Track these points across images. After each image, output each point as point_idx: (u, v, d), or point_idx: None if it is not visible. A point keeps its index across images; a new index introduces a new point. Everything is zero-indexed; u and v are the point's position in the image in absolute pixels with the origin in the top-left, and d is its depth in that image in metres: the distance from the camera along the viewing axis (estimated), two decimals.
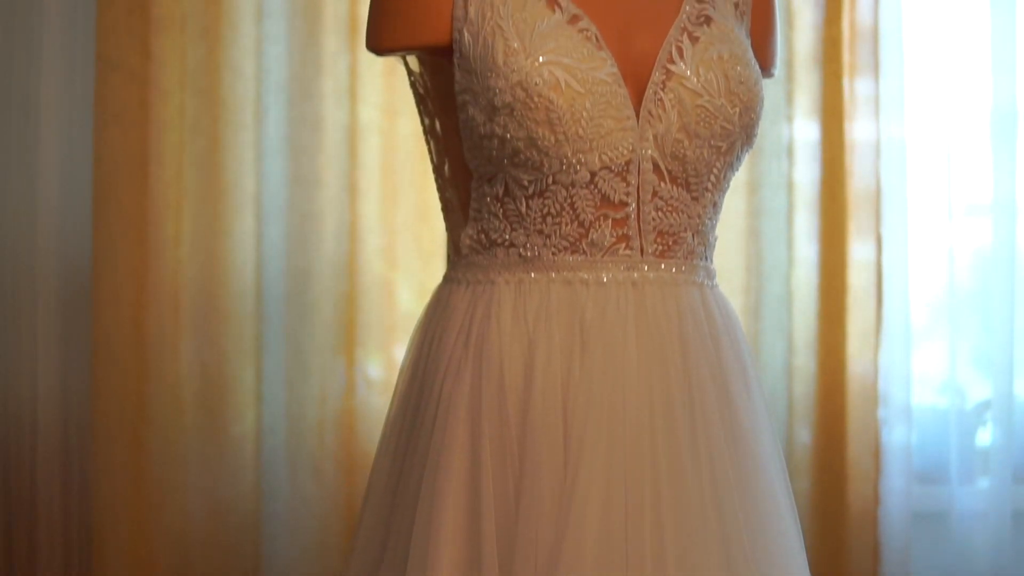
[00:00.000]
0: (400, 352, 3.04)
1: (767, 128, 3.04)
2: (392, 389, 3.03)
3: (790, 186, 3.09)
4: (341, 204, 3.03)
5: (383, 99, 3.03)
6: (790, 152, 3.11)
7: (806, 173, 3.11)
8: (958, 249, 3.20)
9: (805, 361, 3.09)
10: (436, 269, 3.03)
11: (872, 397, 3.09)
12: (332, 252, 3.03)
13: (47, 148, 2.56)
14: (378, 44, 1.71)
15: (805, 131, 3.13)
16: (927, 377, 3.24)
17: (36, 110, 2.52)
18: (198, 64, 3.01)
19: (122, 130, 2.98)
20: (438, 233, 2.94)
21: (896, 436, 3.13)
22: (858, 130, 3.12)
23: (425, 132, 1.81)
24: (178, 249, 3.00)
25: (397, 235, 3.05)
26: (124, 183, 2.98)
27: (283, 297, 3.03)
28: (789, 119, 3.12)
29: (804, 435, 3.09)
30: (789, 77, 3.11)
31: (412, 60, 1.79)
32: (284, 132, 3.04)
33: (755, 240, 3.08)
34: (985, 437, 3.23)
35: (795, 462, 3.08)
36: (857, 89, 3.12)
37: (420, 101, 1.80)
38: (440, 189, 1.80)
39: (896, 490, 3.11)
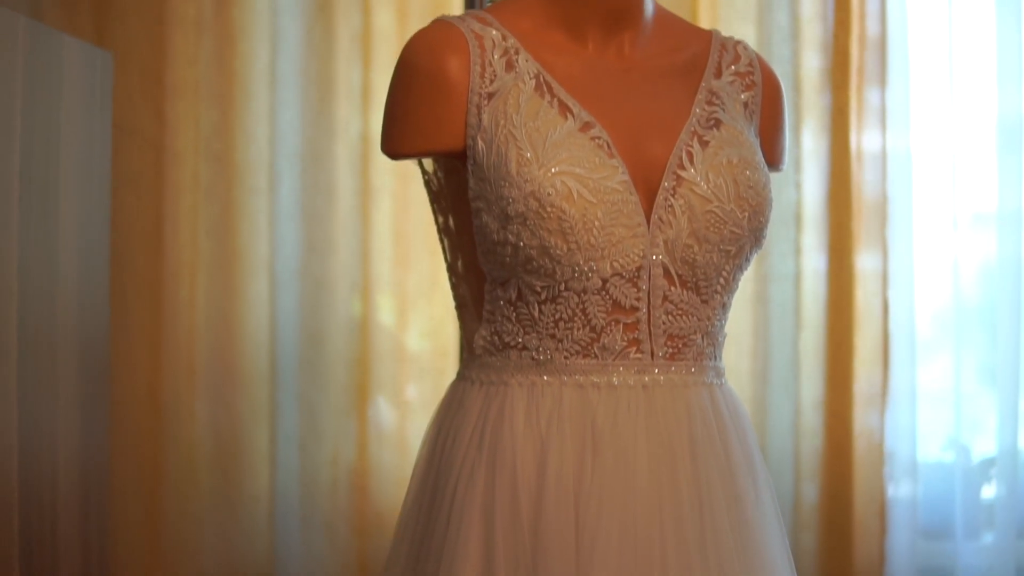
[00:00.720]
0: (413, 414, 3.07)
1: (776, 192, 3.07)
2: (404, 449, 3.07)
3: (798, 251, 3.12)
4: (354, 269, 3.06)
5: (395, 164, 3.06)
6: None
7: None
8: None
9: (812, 421, 3.12)
10: (448, 333, 3.06)
11: (878, 455, 3.12)
12: (345, 316, 3.06)
13: (67, 214, 2.60)
14: (393, 149, 1.74)
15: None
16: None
17: (55, 176, 2.56)
18: (212, 130, 3.04)
19: (137, 195, 3.02)
20: (450, 298, 2.97)
21: (902, 492, 3.15)
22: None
23: (439, 230, 1.84)
24: (192, 313, 3.03)
25: (409, 299, 3.08)
26: (139, 248, 3.02)
27: (296, 361, 3.06)
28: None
29: (810, 492, 3.12)
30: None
31: (426, 160, 1.82)
32: (297, 197, 3.07)
33: (763, 305, 3.11)
34: (990, 493, 3.26)
35: (801, 519, 3.11)
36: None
37: (434, 199, 1.83)
38: (454, 286, 1.83)
39: (901, 546, 3.13)
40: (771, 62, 2.98)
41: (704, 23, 3.01)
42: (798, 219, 3.14)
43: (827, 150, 3.15)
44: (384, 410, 3.09)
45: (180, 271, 3.03)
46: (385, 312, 3.08)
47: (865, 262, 3.14)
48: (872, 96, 3.17)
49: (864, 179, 3.13)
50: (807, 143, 3.16)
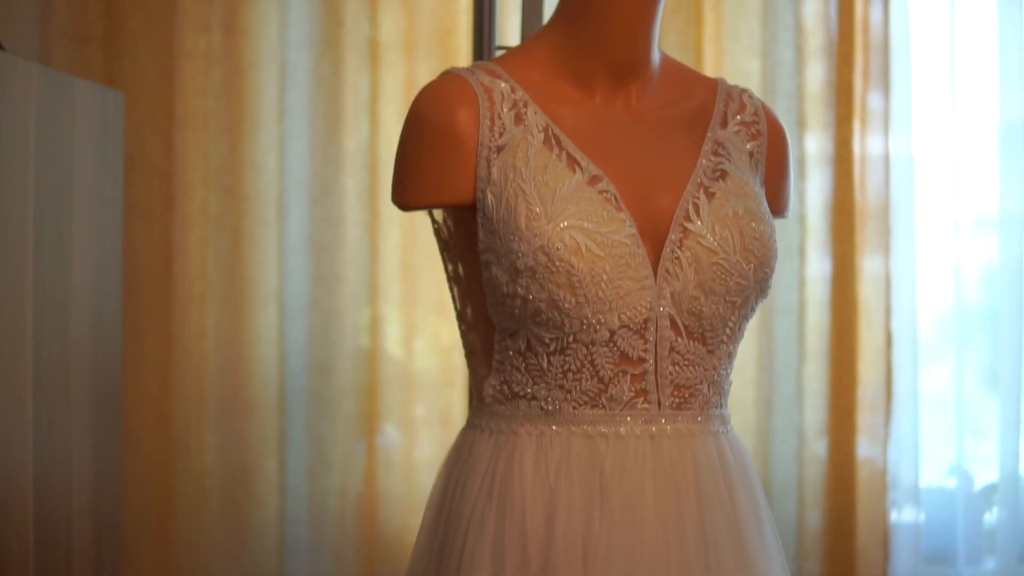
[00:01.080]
0: (420, 443, 3.09)
1: (780, 229, 3.10)
2: (411, 477, 3.10)
3: (802, 283, 3.14)
4: (362, 300, 3.08)
5: None
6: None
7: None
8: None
9: (815, 449, 3.14)
10: (454, 364, 3.08)
11: (881, 482, 3.14)
12: (353, 346, 3.08)
13: (80, 246, 2.63)
14: (403, 201, 1.75)
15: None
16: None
17: (68, 210, 2.59)
18: (221, 161, 3.06)
19: (146, 225, 3.04)
20: (456, 329, 3.00)
21: (904, 518, 3.17)
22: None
23: (448, 278, 1.86)
24: (202, 343, 3.05)
25: (416, 330, 3.10)
26: (149, 278, 3.04)
27: (305, 390, 3.08)
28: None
29: (814, 519, 3.14)
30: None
31: (436, 209, 1.84)
32: (306, 228, 3.09)
33: (768, 337, 3.14)
34: (992, 519, 3.28)
35: (805, 546, 3.13)
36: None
37: (444, 248, 1.84)
38: (463, 334, 1.85)
39: (904, 571, 3.16)
40: (776, 85, 3.00)
41: (709, 57, 3.02)
42: (801, 251, 3.16)
43: (831, 157, 3.18)
44: (392, 438, 3.11)
45: (190, 301, 3.06)
46: (393, 342, 3.10)
47: (868, 269, 3.16)
48: (875, 101, 3.19)
49: (867, 184, 3.16)
50: (811, 152, 3.18)
